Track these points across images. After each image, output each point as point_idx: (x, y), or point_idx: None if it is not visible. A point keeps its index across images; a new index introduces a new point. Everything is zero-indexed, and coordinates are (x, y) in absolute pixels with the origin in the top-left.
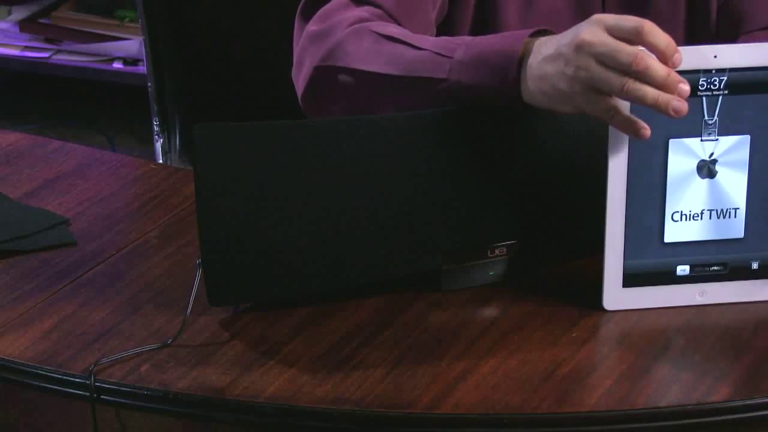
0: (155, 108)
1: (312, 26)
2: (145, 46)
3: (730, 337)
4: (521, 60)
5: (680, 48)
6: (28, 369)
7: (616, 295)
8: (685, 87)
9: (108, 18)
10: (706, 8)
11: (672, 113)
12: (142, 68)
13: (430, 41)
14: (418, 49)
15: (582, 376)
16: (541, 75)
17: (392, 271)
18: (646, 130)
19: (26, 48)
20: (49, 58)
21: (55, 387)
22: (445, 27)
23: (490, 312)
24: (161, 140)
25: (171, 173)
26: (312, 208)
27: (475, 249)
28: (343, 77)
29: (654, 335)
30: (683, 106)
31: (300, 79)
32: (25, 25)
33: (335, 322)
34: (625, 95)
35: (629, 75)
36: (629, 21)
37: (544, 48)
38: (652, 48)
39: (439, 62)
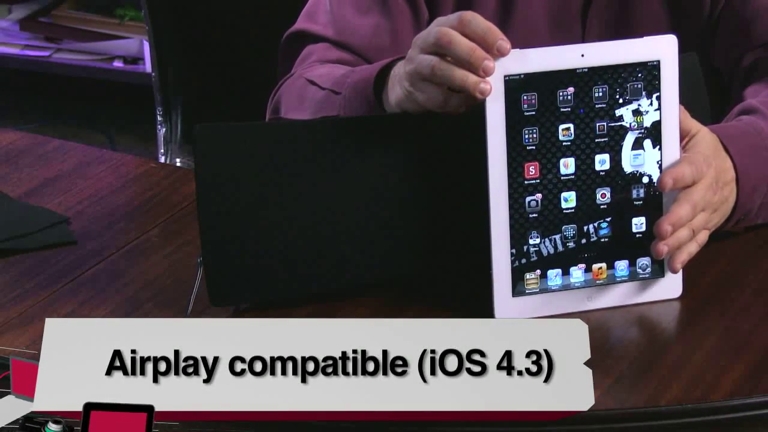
0: (159, 97)
1: (291, 70)
2: (149, 36)
3: (730, 336)
4: (381, 78)
5: (549, 48)
6: None
7: (506, 305)
8: (490, 64)
9: (108, 17)
10: (694, 26)
11: (478, 95)
12: (142, 67)
13: (332, 79)
14: (321, 89)
15: None
16: (392, 83)
17: (393, 272)
18: (486, 86)
19: (26, 46)
20: (49, 56)
21: None
22: None
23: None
24: (163, 129)
25: (171, 172)
26: (312, 208)
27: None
28: None
29: (653, 333)
30: (488, 87)
31: None
32: (25, 24)
33: None
34: (434, 75)
35: (439, 56)
36: (455, 14)
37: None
38: (473, 35)
39: (334, 100)
